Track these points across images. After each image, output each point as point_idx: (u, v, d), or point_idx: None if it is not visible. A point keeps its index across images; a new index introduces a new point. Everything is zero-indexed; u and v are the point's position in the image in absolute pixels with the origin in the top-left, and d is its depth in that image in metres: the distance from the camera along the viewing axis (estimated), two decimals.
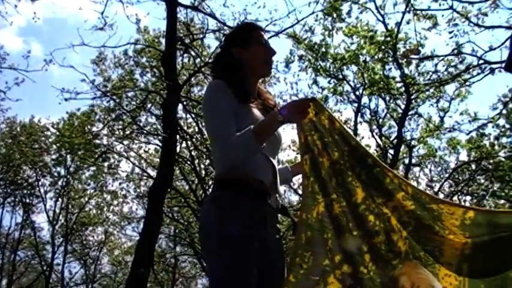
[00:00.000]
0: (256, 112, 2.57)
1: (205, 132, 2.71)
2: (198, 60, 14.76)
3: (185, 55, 15.11)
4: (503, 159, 17.46)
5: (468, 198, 20.76)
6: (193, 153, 18.52)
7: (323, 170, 2.43)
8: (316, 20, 14.82)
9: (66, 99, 12.67)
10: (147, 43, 15.75)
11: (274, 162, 2.59)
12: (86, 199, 24.61)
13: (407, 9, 14.13)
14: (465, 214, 2.33)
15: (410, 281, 2.31)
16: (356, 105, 17.44)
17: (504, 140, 17.30)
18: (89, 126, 16.50)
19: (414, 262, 2.35)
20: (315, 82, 17.08)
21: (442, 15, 13.14)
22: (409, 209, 2.38)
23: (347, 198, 2.41)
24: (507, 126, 16.85)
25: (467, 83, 14.97)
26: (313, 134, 2.46)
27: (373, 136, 18.35)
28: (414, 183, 20.17)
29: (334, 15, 14.43)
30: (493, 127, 16.88)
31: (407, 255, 2.36)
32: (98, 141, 16.69)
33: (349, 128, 18.24)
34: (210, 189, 2.59)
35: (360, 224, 2.39)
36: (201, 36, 14.81)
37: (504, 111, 15.74)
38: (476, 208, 2.40)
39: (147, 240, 10.41)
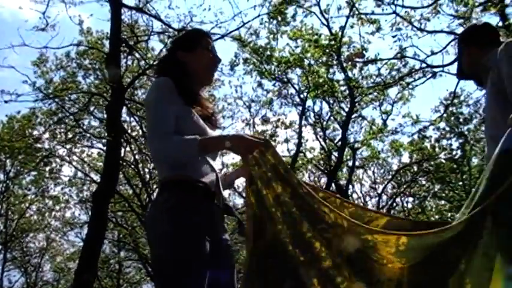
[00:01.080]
0: (198, 118, 2.55)
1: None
2: (142, 62, 14.58)
3: (129, 57, 14.91)
4: (443, 161, 17.91)
5: (410, 199, 21.26)
6: (137, 156, 18.29)
7: (267, 202, 2.45)
8: (261, 23, 14.92)
9: (6, 102, 12.38)
10: (90, 45, 15.43)
11: (215, 165, 2.59)
12: (27, 205, 23.88)
13: (351, 13, 14.33)
14: (398, 240, 2.36)
15: None
16: (300, 108, 17.60)
17: (444, 142, 17.77)
18: (29, 130, 16.02)
19: (360, 285, 2.37)
20: (260, 85, 17.17)
21: (386, 20, 13.41)
22: (346, 241, 2.42)
23: (293, 227, 2.43)
24: (447, 129, 17.29)
25: (410, 87, 15.32)
26: (257, 168, 2.47)
27: (317, 139, 18.54)
28: (358, 186, 20.47)
29: (279, 18, 14.50)
30: (433, 130, 17.31)
31: (351, 278, 2.38)
32: (39, 145, 16.20)
33: (294, 130, 18.40)
34: (156, 193, 2.54)
35: (306, 250, 2.41)
36: (146, 38, 14.63)
37: (444, 115, 16.13)
38: (408, 233, 2.41)
39: (91, 246, 10.18)
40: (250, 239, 2.45)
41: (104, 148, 16.91)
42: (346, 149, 17.69)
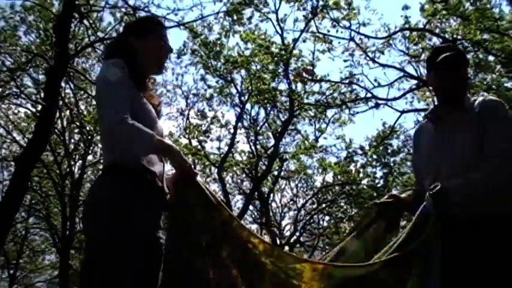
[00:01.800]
0: (150, 107, 2.55)
1: (96, 108, 2.65)
2: (90, 31, 14.22)
3: (78, 25, 14.47)
4: (365, 187, 18.32)
5: (327, 218, 21.61)
6: (65, 125, 17.82)
7: (188, 230, 2.52)
8: (215, 18, 14.82)
9: None
10: (37, 1, 14.89)
11: (162, 158, 2.59)
12: None
13: (306, 28, 14.53)
14: (324, 270, 2.55)
15: None
16: (238, 109, 17.64)
17: (369, 169, 18.21)
18: None
19: None
20: (203, 79, 17.09)
21: (339, 42, 13.62)
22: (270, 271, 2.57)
23: (214, 253, 2.53)
24: (374, 157, 17.73)
25: (352, 112, 15.63)
26: (185, 194, 2.54)
27: (248, 143, 18.62)
28: (279, 198, 20.59)
29: (235, 17, 14.49)
30: (361, 155, 17.71)
31: None
32: None
33: (228, 130, 18.41)
34: (103, 172, 2.54)
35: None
36: (100, 9, 14.25)
37: (381, 147, 16.55)
38: (333, 264, 2.66)
39: (5, 211, 9.76)
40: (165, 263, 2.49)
41: (32, 110, 16.42)
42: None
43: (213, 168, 18.53)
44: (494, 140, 2.64)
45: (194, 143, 18.15)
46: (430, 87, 3.22)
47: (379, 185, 17.87)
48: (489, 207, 2.61)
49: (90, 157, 19.36)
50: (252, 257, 2.56)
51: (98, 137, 16.21)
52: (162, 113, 2.85)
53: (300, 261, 2.61)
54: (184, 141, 17.90)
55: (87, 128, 16.18)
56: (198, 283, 2.47)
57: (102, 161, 18.05)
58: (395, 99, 13.61)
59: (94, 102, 15.29)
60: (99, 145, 17.06)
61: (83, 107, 16.99)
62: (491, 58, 12.12)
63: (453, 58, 2.81)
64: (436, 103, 3.11)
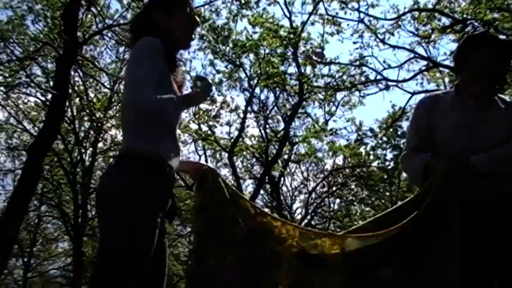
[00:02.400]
0: (176, 89, 2.50)
1: (124, 81, 2.47)
2: (97, 19, 14.20)
3: (86, 12, 14.46)
4: (375, 169, 18.31)
5: (338, 201, 21.65)
6: (75, 113, 17.85)
7: (216, 225, 2.62)
8: (223, 3, 14.75)
9: None
10: None
11: (180, 147, 2.55)
12: None
13: (315, 11, 14.43)
14: (343, 243, 2.61)
15: None
16: (248, 94, 17.61)
17: (379, 151, 18.17)
18: None
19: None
20: (212, 64, 17.04)
21: (348, 24, 13.54)
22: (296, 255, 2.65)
23: (238, 252, 2.61)
24: (384, 139, 17.69)
25: (362, 95, 15.57)
26: (210, 194, 2.65)
27: (258, 127, 18.61)
28: (289, 180, 20.64)
29: (243, 1, 14.41)
30: (371, 137, 17.67)
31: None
32: None
33: (238, 115, 18.40)
34: (119, 159, 2.45)
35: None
36: None
37: (391, 129, 16.50)
38: (349, 235, 2.70)
39: (19, 201, 9.78)
40: (192, 259, 2.64)
41: (42, 99, 16.46)
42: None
43: (223, 153, 18.57)
44: None
45: (204, 128, 18.18)
46: (464, 64, 3.09)
47: (389, 167, 17.84)
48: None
49: (100, 144, 19.43)
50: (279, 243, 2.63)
51: (108, 124, 16.26)
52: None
53: (320, 234, 2.69)
54: (194, 126, 17.91)
55: (97, 116, 16.16)
56: (228, 280, 2.55)
57: (113, 148, 18.19)
58: (405, 80, 13.53)
59: (103, 90, 15.36)
60: (110, 132, 17.11)
61: (92, 95, 17.00)
62: (502, 37, 12.00)
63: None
64: (449, 85, 3.14)
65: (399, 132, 17.36)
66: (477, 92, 2.89)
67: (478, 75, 2.91)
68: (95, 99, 16.45)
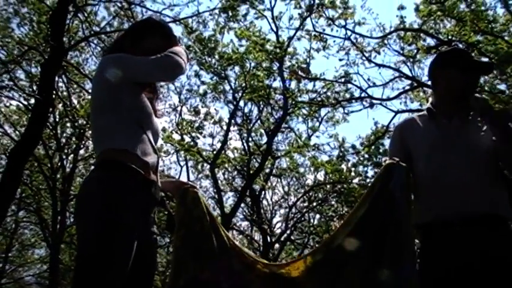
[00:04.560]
0: (147, 100, 2.56)
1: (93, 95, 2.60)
2: (84, 25, 14.17)
3: (73, 18, 14.41)
4: (356, 186, 18.38)
5: (318, 216, 21.66)
6: (57, 119, 17.75)
7: (194, 239, 2.69)
8: (211, 15, 14.82)
9: None
10: None
11: (157, 150, 2.55)
12: None
13: (301, 26, 14.57)
14: (306, 262, 2.70)
15: None
16: (232, 106, 17.64)
17: (361, 168, 18.27)
18: None
19: None
20: (197, 75, 17.08)
21: (334, 41, 13.67)
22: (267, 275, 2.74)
23: (215, 265, 2.67)
24: (366, 156, 17.79)
25: (346, 111, 15.70)
26: (189, 211, 2.74)
27: (241, 140, 18.63)
28: (270, 196, 20.63)
29: (230, 13, 14.49)
30: (352, 154, 17.77)
31: None
32: None
33: (221, 127, 18.42)
34: (94, 167, 2.47)
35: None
36: (95, 2, 14.21)
37: (373, 147, 16.61)
38: (308, 253, 2.81)
39: None
40: (171, 274, 2.69)
41: (25, 103, 16.33)
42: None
43: (205, 164, 18.56)
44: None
45: (187, 139, 18.15)
46: (434, 85, 3.10)
47: (370, 184, 17.86)
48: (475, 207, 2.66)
49: (81, 151, 19.32)
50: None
51: (90, 132, 16.18)
52: (161, 112, 2.85)
53: (282, 265, 2.80)
54: (176, 137, 17.89)
55: (80, 122, 16.10)
56: None
57: (94, 155, 17.99)
58: (389, 99, 13.70)
59: (87, 96, 15.27)
60: (91, 140, 17.04)
61: (75, 101, 16.92)
62: (484, 60, 12.19)
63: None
64: (431, 102, 3.10)
65: (381, 150, 17.47)
66: (449, 111, 2.90)
67: (446, 96, 2.95)
68: (78, 106, 16.36)
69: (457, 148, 2.75)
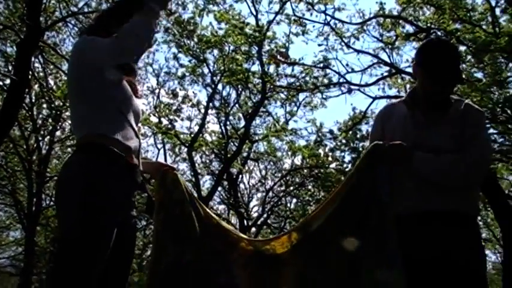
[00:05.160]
0: (130, 91, 2.53)
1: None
2: (61, 5, 13.96)
3: None
4: (333, 171, 18.48)
5: (294, 200, 21.80)
6: (33, 100, 17.53)
7: (176, 224, 2.67)
8: None
9: None
10: None
11: (138, 133, 2.55)
12: None
13: (281, 10, 14.53)
14: (291, 238, 2.69)
15: None
16: (210, 89, 17.59)
17: (338, 153, 18.36)
18: None
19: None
20: (176, 57, 16.99)
21: (314, 26, 13.65)
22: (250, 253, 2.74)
23: (197, 248, 2.66)
24: (343, 141, 17.88)
25: (324, 97, 15.74)
26: (169, 193, 2.72)
27: (219, 123, 18.60)
28: (247, 179, 20.66)
29: None
30: (330, 139, 17.85)
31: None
32: None
33: (199, 110, 18.37)
34: (75, 150, 2.47)
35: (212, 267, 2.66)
36: None
37: (350, 132, 16.68)
38: (293, 229, 2.81)
39: None
40: (152, 257, 2.70)
41: (0, 83, 16.10)
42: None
43: (182, 147, 18.51)
44: (475, 145, 2.67)
45: (164, 121, 18.09)
46: (415, 76, 3.05)
47: (347, 169, 18.02)
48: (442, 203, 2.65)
49: (58, 133, 19.13)
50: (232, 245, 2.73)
51: (67, 113, 16.01)
52: (141, 92, 2.82)
53: (267, 241, 2.78)
54: (154, 119, 17.81)
55: (56, 103, 15.90)
56: (188, 274, 2.59)
57: (71, 137, 17.89)
58: (367, 85, 13.74)
59: (64, 77, 15.08)
60: (68, 121, 16.85)
61: (52, 82, 16.72)
62: (462, 48, 12.29)
63: (449, 65, 2.76)
64: (412, 90, 3.04)
65: (358, 136, 17.58)
66: (424, 107, 2.84)
67: (421, 92, 2.88)
68: (54, 87, 16.18)
69: (425, 146, 2.71)
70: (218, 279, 2.61)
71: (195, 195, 2.88)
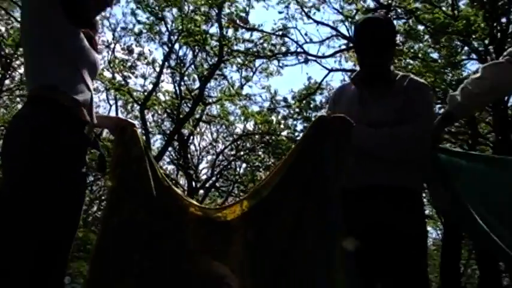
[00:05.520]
0: (86, 44, 2.46)
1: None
2: None
3: None
4: (284, 138, 18.63)
5: (244, 165, 21.91)
6: None
7: (132, 182, 2.64)
8: None
9: None
10: None
11: (91, 87, 2.47)
12: None
13: None
14: (242, 205, 2.69)
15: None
16: (167, 48, 17.35)
17: (290, 122, 18.51)
18: None
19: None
20: (133, 13, 16.66)
21: None
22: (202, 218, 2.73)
23: (151, 208, 2.64)
24: (297, 110, 18.02)
25: (280, 65, 15.78)
26: (127, 150, 2.67)
27: (173, 83, 18.42)
28: (198, 141, 20.67)
29: None
30: (284, 107, 17.96)
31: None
32: None
33: (154, 69, 18.14)
34: (25, 102, 2.38)
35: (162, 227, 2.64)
36: None
37: (304, 101, 16.80)
38: (244, 197, 2.80)
39: None
40: (105, 213, 2.69)
41: None
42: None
43: (135, 105, 18.30)
44: (416, 119, 2.71)
45: (118, 77, 17.79)
46: None
47: (298, 138, 18.18)
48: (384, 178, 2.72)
49: (7, 81, 18.58)
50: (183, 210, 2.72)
51: (18, 62, 15.60)
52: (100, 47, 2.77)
53: (219, 209, 2.79)
54: (108, 74, 17.48)
55: (7, 51, 15.45)
56: (141, 233, 2.58)
57: (21, 87, 17.41)
58: (325, 57, 13.86)
59: (16, 24, 14.63)
60: (19, 70, 16.42)
61: (2, 29, 16.19)
62: (421, 28, 12.47)
63: (376, 46, 2.81)
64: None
65: (312, 106, 17.76)
66: (367, 83, 2.91)
67: (359, 64, 2.97)
68: (5, 34, 15.69)
69: (368, 121, 2.76)
70: (170, 241, 2.61)
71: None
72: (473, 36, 11.51)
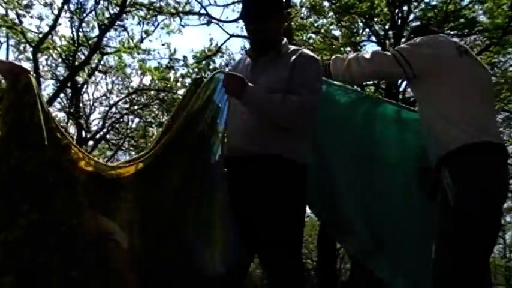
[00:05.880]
0: None
1: None
2: None
3: None
4: (180, 97, 18.56)
5: (137, 120, 21.68)
6: None
7: (23, 130, 2.52)
8: None
9: None
10: None
11: None
12: None
13: None
14: (137, 167, 2.70)
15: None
16: None
17: (188, 81, 18.45)
18: None
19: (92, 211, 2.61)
20: None
21: None
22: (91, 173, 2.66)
23: (41, 158, 2.54)
24: (196, 70, 17.99)
25: (183, 24, 15.64)
26: (20, 96, 2.55)
27: (71, 28, 17.77)
28: (91, 91, 20.16)
29: None
30: (182, 66, 17.87)
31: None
32: None
33: (52, 11, 17.40)
34: None
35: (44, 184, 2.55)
36: None
37: (203, 62, 16.77)
38: (141, 160, 2.76)
39: None
40: None
41: None
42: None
43: (28, 46, 17.51)
44: (300, 91, 2.81)
45: (12, 15, 16.89)
46: None
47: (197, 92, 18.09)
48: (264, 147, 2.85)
49: None
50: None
51: None
52: None
53: (114, 167, 2.75)
54: (1, 10, 16.55)
55: None
56: (29, 183, 2.50)
57: None
58: (227, 21, 13.90)
59: None
60: None
61: None
62: (326, 4, 12.75)
63: (260, 11, 2.89)
64: None
65: (211, 67, 17.79)
66: (255, 53, 3.06)
67: (247, 33, 3.08)
68: None
69: None
70: (59, 193, 2.54)
71: None
72: (375, 20, 11.97)
